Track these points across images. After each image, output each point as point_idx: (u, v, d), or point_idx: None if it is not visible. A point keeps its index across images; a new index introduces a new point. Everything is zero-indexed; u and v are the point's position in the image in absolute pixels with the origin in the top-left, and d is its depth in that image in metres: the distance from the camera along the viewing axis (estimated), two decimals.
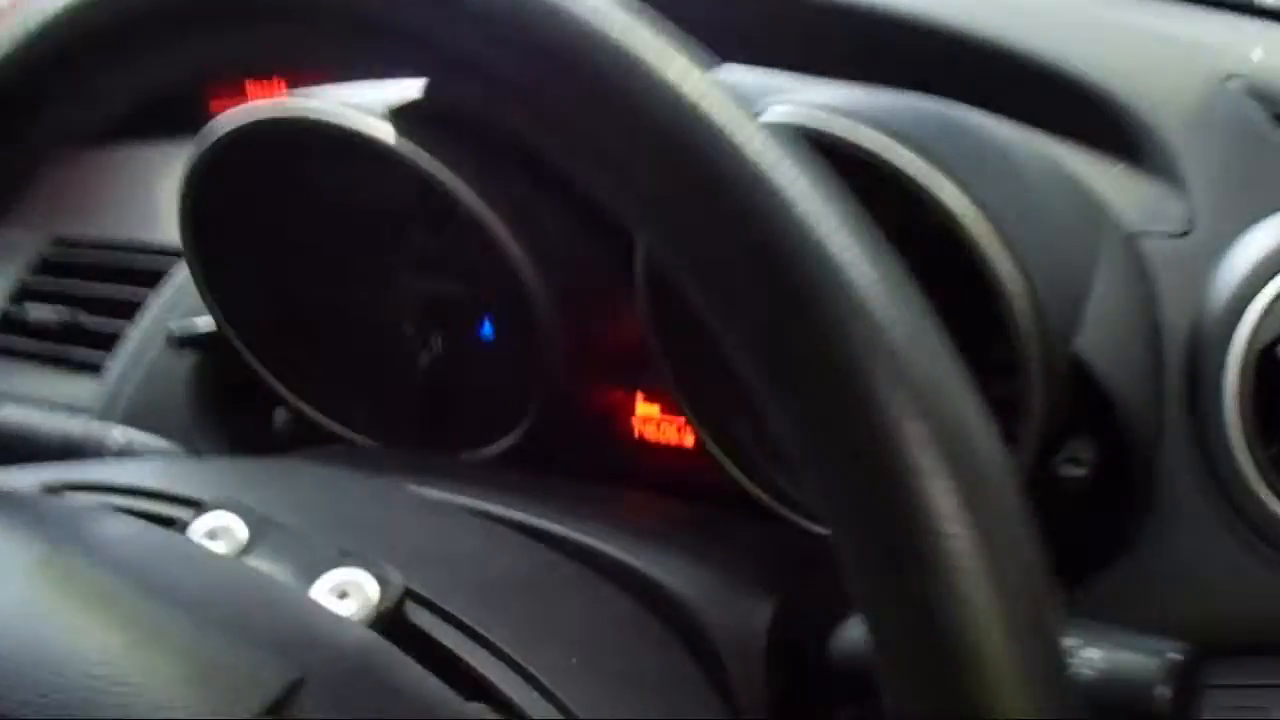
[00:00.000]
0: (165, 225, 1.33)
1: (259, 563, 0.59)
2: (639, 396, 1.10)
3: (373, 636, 0.52)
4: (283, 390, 1.12)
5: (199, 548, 0.59)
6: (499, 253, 0.91)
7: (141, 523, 0.61)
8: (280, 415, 1.16)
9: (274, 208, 1.07)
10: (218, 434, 1.16)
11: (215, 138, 0.97)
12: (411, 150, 0.90)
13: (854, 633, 0.67)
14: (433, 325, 1.20)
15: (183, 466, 0.76)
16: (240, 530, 0.63)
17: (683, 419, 1.08)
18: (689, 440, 1.09)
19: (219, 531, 0.64)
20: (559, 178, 1.08)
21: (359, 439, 1.14)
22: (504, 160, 0.94)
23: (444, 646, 0.54)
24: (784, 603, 0.67)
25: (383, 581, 0.56)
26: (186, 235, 1.04)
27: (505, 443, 1.05)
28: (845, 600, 0.75)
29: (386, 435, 1.14)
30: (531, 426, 1.02)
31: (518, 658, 0.53)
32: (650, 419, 1.10)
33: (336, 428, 1.14)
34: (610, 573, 0.64)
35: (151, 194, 1.51)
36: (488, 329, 1.18)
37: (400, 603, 0.55)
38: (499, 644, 0.54)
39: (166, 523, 0.64)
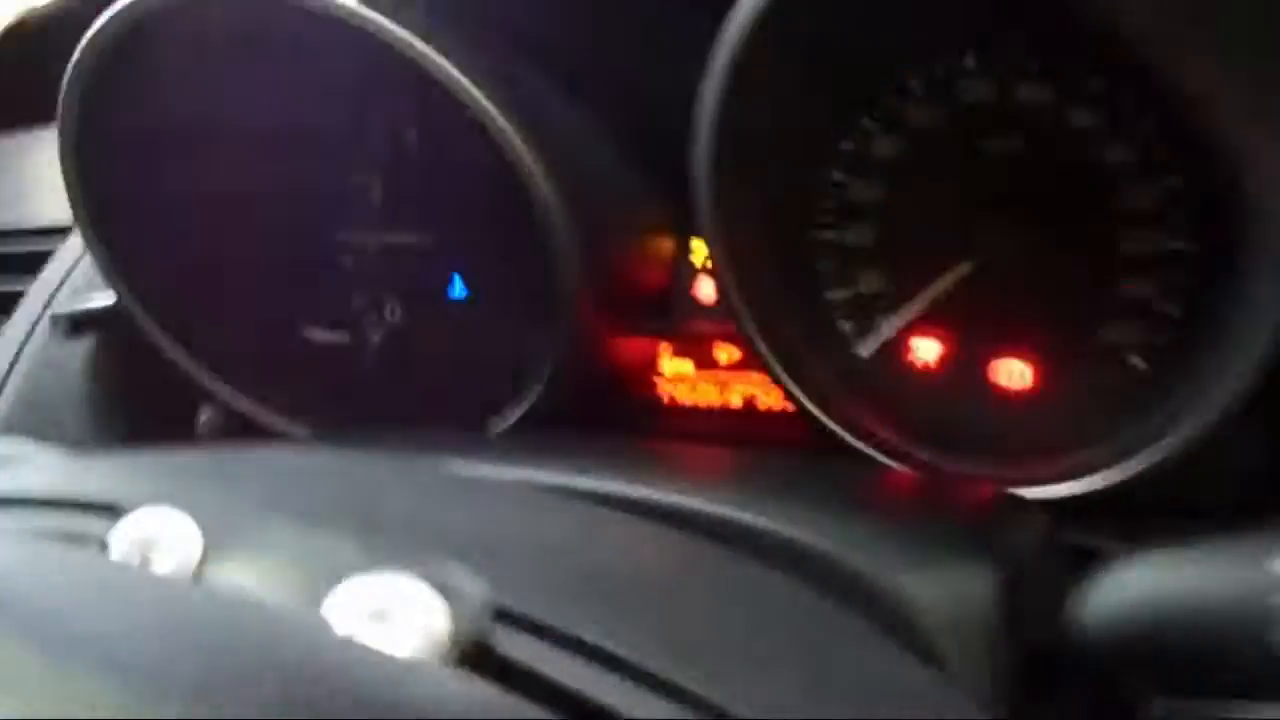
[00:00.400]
0: (44, 206, 1.09)
1: (234, 574, 0.36)
2: (667, 350, 0.88)
3: (461, 688, 0.30)
4: (205, 376, 0.88)
5: (126, 569, 0.36)
6: (506, 161, 0.68)
7: (33, 543, 0.38)
8: (206, 413, 0.92)
9: (185, 125, 0.83)
10: (122, 440, 0.91)
11: (111, 16, 0.72)
12: (383, 19, 0.67)
13: (1101, 602, 0.47)
14: (390, 285, 0.97)
15: (88, 464, 0.52)
16: (188, 536, 0.40)
17: (718, 376, 0.87)
18: (735, 400, 0.87)
19: (154, 543, 0.41)
20: (578, 70, 0.88)
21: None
22: (508, 47, 0.72)
23: (579, 695, 0.31)
24: (1005, 574, 0.45)
25: (452, 592, 0.34)
26: (69, 162, 0.78)
27: (502, 422, 0.82)
28: (1066, 565, 0.55)
29: (345, 427, 0.90)
30: (537, 400, 0.80)
31: (703, 693, 0.31)
32: (682, 378, 0.88)
33: (281, 422, 0.90)
34: (768, 554, 0.43)
35: (24, 175, 1.25)
36: (458, 288, 0.95)
37: (488, 626, 0.33)
38: (670, 679, 0.32)
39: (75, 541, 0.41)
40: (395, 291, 0.98)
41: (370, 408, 0.94)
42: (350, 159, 0.95)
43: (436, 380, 0.94)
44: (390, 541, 0.38)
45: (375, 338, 1.00)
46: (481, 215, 0.88)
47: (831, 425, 0.72)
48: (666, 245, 0.87)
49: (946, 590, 0.44)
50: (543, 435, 0.73)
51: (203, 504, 0.42)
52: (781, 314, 0.75)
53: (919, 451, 0.73)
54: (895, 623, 0.44)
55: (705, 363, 0.88)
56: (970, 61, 0.79)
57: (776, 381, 0.74)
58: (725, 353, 0.88)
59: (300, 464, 0.50)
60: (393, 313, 0.99)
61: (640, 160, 0.82)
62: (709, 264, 0.87)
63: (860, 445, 0.73)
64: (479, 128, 0.70)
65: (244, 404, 0.89)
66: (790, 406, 0.85)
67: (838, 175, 0.82)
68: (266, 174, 0.91)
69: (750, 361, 0.86)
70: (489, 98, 0.68)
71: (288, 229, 0.94)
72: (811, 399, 0.73)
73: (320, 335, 0.97)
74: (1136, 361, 0.77)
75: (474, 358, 0.91)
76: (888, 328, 0.80)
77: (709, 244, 0.71)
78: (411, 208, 0.95)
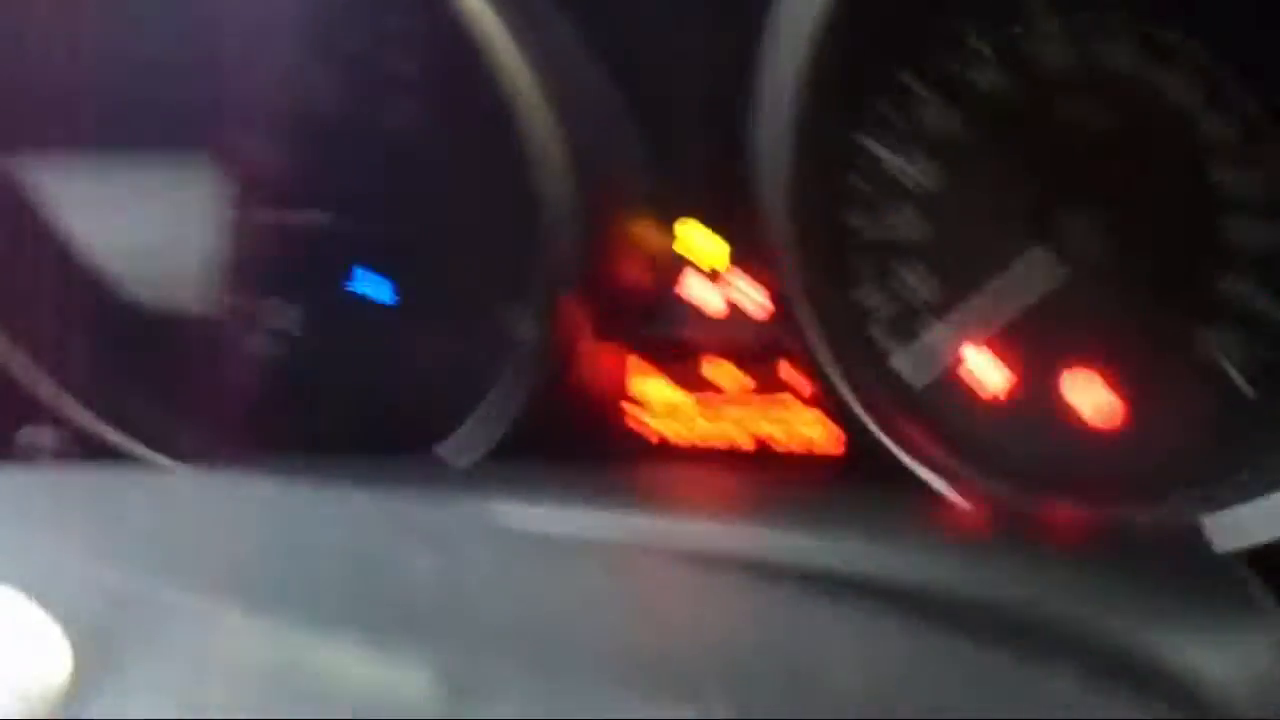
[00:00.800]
0: None
1: None
2: (647, 369, 0.70)
3: None
4: (41, 385, 0.66)
5: None
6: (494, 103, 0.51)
7: None
8: (32, 434, 0.70)
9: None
10: None
11: None
12: None
13: None
14: (288, 279, 0.76)
15: None
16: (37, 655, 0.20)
17: (712, 402, 0.70)
18: (736, 435, 0.70)
19: None
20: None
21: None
22: None
23: None
24: None
25: None
26: None
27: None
28: None
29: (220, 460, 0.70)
30: (501, 437, 0.61)
31: None
32: (669, 407, 0.70)
33: (138, 450, 0.69)
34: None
35: None
36: (377, 283, 0.75)
37: None
38: None
39: None
40: (294, 287, 0.78)
41: (254, 436, 0.73)
42: (239, 114, 0.75)
43: (341, 405, 0.74)
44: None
45: (264, 347, 0.79)
46: (418, 188, 0.69)
47: (912, 461, 0.56)
48: (652, 232, 0.69)
49: (1243, 662, 0.29)
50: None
51: (74, 580, 0.23)
52: (838, 317, 0.59)
53: (993, 489, 0.58)
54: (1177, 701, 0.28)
55: (695, 383, 0.70)
56: (1049, 22, 0.65)
57: (833, 401, 0.57)
58: (720, 371, 0.70)
59: (246, 504, 0.30)
60: (289, 315, 0.79)
61: (637, 119, 0.65)
62: (692, 257, 0.70)
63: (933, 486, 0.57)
64: (463, 54, 0.51)
65: (92, 426, 0.67)
66: (807, 445, 0.69)
67: (879, 150, 0.66)
68: (129, 131, 0.70)
69: (764, 383, 0.69)
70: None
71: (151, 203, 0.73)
72: (872, 423, 0.57)
73: (193, 342, 0.75)
74: (1238, 379, 0.64)
75: (395, 376, 0.72)
76: (941, 346, 0.65)
77: (780, 228, 0.54)
78: (320, 178, 0.75)
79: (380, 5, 0.65)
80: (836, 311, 0.59)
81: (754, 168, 0.57)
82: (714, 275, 0.71)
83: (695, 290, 0.71)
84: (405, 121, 0.71)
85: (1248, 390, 0.64)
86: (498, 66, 0.53)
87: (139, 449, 0.71)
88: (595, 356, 0.65)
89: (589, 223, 0.56)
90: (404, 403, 0.69)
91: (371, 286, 0.76)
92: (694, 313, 0.71)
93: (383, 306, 0.75)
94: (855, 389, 0.57)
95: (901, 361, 0.65)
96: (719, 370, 0.71)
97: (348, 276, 0.77)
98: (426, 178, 0.70)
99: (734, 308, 0.71)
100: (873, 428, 0.57)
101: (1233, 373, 0.64)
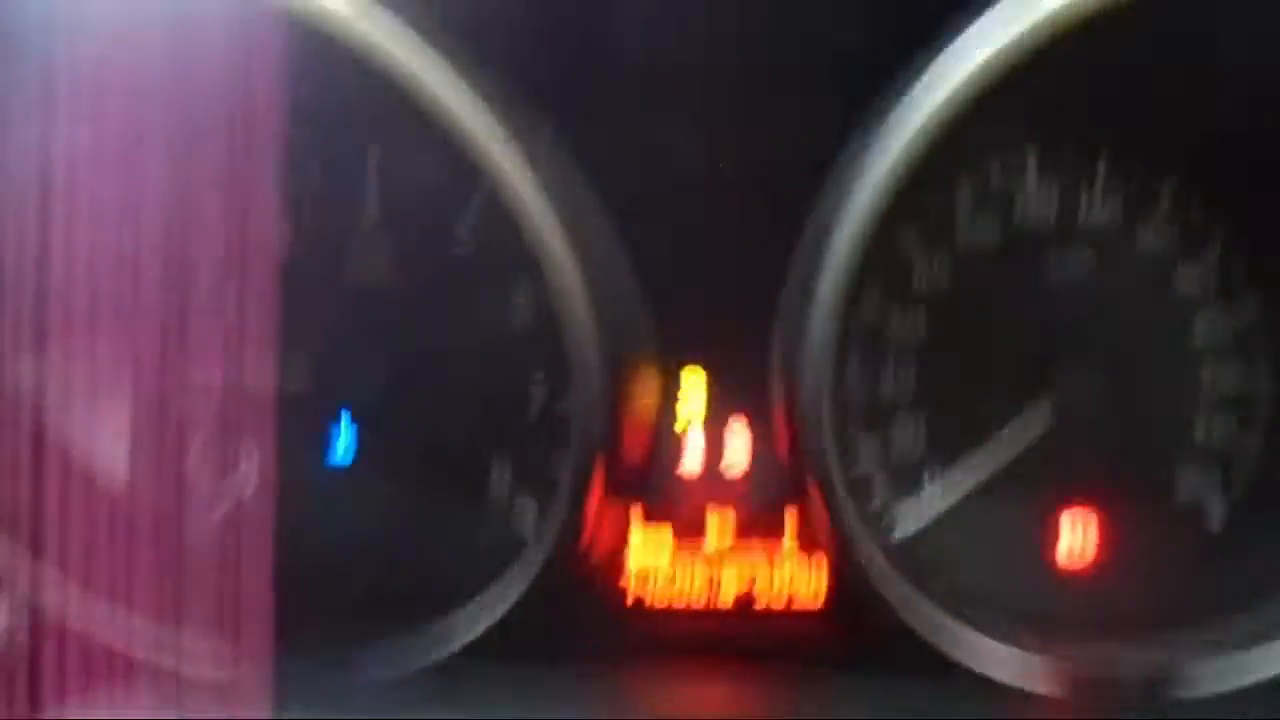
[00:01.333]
0: None
1: None
2: (641, 522, 0.68)
3: None
4: None
5: None
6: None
7: None
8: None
9: None
10: None
11: None
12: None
13: None
14: (244, 440, 0.71)
15: None
16: None
17: (709, 560, 0.68)
18: (726, 595, 0.67)
19: None
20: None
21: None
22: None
23: None
24: None
25: None
26: None
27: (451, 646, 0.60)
28: None
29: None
30: (512, 608, 0.58)
31: None
32: (660, 570, 0.68)
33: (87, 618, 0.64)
34: None
35: None
36: (343, 448, 0.71)
37: None
38: None
39: None
40: (251, 449, 0.73)
41: (197, 610, 0.68)
42: (195, 258, 0.70)
43: (299, 581, 0.69)
44: None
45: (213, 513, 0.73)
46: (396, 344, 0.67)
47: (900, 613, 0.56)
48: (653, 388, 0.67)
49: None
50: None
51: None
52: (837, 475, 0.58)
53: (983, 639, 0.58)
54: None
55: (691, 544, 0.68)
56: (1029, 166, 0.67)
57: (826, 554, 0.56)
58: (714, 530, 0.68)
59: None
60: (243, 481, 0.73)
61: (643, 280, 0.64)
62: (691, 419, 0.69)
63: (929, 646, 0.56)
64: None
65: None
66: (798, 602, 0.67)
67: (870, 308, 0.66)
68: (80, 287, 0.66)
69: (757, 539, 0.67)
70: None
71: (103, 361, 0.68)
72: (863, 575, 0.56)
73: (139, 505, 0.70)
74: (1213, 518, 0.66)
75: (366, 554, 0.67)
76: (935, 499, 0.64)
77: (784, 389, 0.53)
78: (281, 335, 0.71)
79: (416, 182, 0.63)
80: (836, 470, 0.58)
81: (760, 333, 0.57)
82: (710, 435, 0.69)
83: (692, 452, 0.70)
84: (403, 285, 0.69)
85: (1219, 529, 0.66)
86: (530, 229, 0.51)
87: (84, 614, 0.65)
88: (603, 528, 0.63)
89: (613, 397, 0.54)
90: (398, 585, 0.65)
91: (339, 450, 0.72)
92: (691, 474, 0.70)
93: (346, 473, 0.71)
94: (849, 543, 0.56)
95: (896, 516, 0.65)
96: (714, 529, 0.69)
97: (323, 439, 0.73)
98: (426, 342, 0.68)
99: (730, 467, 0.69)
100: (864, 579, 0.57)
101: (1208, 512, 0.66)
